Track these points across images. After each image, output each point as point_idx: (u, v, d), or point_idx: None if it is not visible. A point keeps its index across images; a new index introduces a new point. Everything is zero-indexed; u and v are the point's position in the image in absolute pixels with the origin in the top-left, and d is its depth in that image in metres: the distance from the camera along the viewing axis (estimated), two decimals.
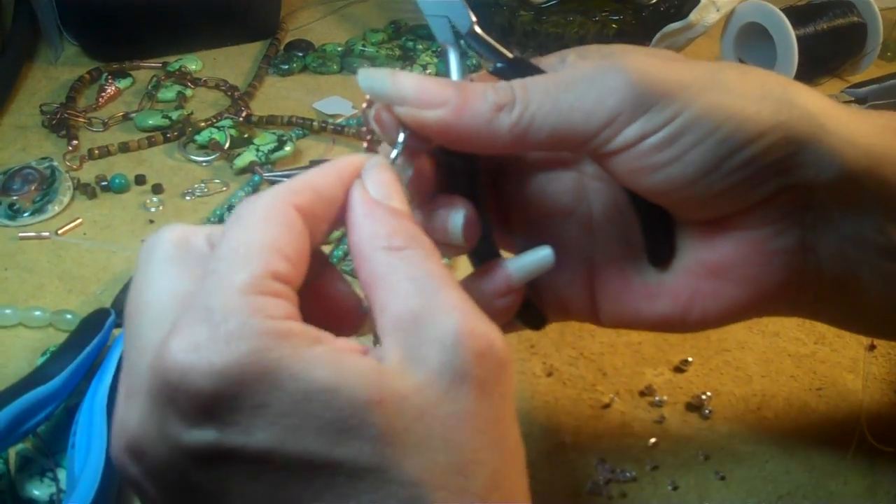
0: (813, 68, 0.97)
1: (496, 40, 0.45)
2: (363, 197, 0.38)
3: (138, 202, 0.78)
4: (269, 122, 0.88)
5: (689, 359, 0.65)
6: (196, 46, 1.00)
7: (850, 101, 0.91)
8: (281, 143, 0.83)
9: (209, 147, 0.84)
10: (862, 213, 0.44)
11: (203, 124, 0.87)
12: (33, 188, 0.77)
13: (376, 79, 0.41)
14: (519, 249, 0.46)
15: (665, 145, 0.41)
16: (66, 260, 0.72)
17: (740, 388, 0.63)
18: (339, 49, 1.02)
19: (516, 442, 0.36)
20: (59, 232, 0.74)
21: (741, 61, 0.99)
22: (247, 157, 0.82)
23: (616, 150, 0.42)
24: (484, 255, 0.45)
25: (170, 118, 0.87)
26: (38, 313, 0.66)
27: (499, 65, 0.45)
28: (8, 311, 0.66)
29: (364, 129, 0.43)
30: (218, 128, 0.85)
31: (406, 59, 1.00)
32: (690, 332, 0.49)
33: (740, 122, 0.41)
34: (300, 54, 1.00)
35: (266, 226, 0.35)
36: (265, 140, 0.83)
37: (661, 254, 0.47)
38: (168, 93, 0.92)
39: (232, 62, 1.00)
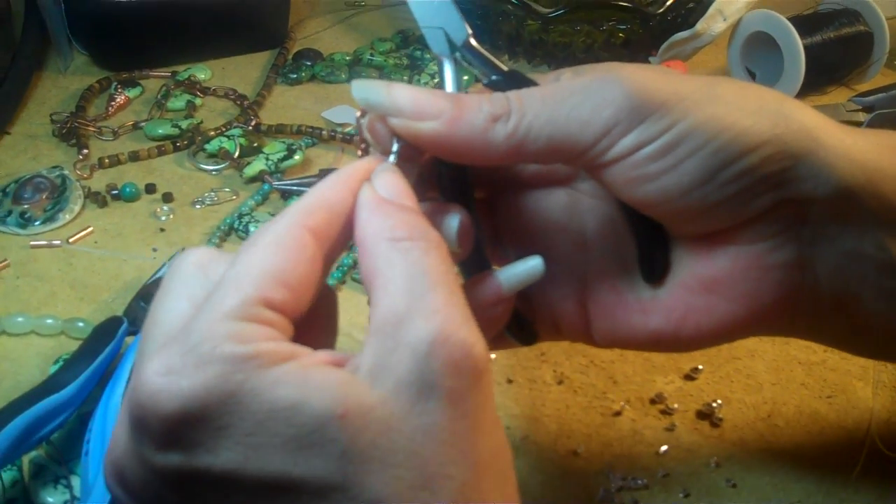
0: (820, 77, 0.97)
1: (503, 50, 0.45)
2: (371, 195, 0.38)
3: (149, 211, 0.79)
4: (278, 130, 0.89)
5: (700, 367, 0.65)
6: (205, 56, 1.01)
7: (857, 110, 0.91)
8: (290, 152, 0.83)
9: (219, 156, 0.85)
10: (860, 228, 0.43)
11: (213, 133, 0.87)
12: (44, 197, 0.77)
13: (371, 90, 0.41)
14: None
15: (660, 155, 0.41)
16: (77, 268, 0.72)
17: (751, 395, 0.63)
18: (348, 58, 1.02)
19: (493, 453, 0.35)
20: (71, 240, 0.75)
21: (748, 71, 0.99)
22: (256, 165, 0.82)
23: (612, 161, 0.42)
24: (475, 267, 0.45)
25: (179, 127, 0.88)
26: (50, 321, 0.66)
27: (493, 77, 0.45)
28: (20, 318, 0.66)
29: (357, 138, 0.43)
30: (227, 137, 0.86)
31: (414, 69, 1.01)
32: (684, 350, 0.49)
33: (736, 134, 0.41)
34: (309, 63, 1.00)
35: (272, 252, 0.35)
36: (274, 149, 0.83)
37: (655, 269, 0.47)
38: (177, 102, 0.93)
39: (241, 71, 1.00)
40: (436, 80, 0.97)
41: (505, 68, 0.45)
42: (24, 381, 0.61)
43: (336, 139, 0.88)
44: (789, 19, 0.94)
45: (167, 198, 0.79)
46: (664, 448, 0.59)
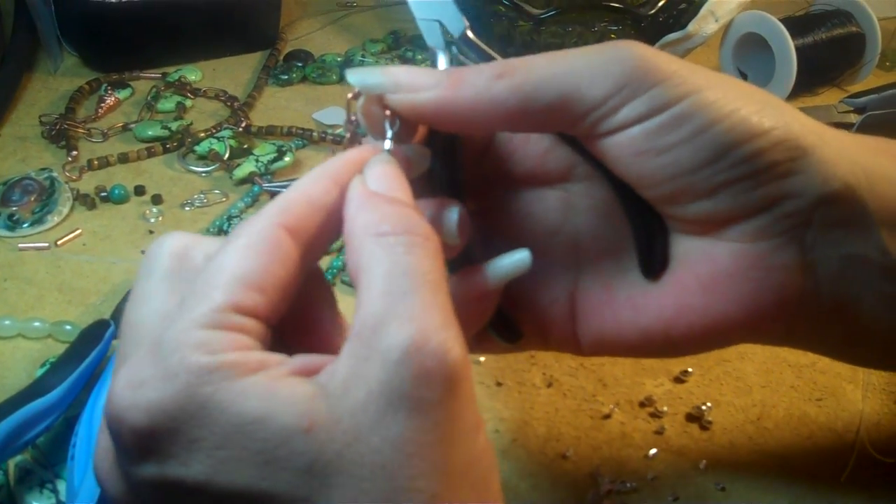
0: (812, 78, 0.97)
1: (495, 50, 0.45)
2: (360, 190, 0.38)
3: (138, 213, 0.78)
4: (268, 132, 0.88)
5: (689, 369, 0.65)
6: (195, 57, 1.00)
7: (849, 111, 0.91)
8: (280, 154, 0.83)
9: (209, 158, 0.84)
10: (864, 231, 0.43)
11: (202, 135, 0.87)
12: (33, 199, 0.77)
13: (367, 72, 0.41)
14: None
15: (668, 130, 0.40)
16: (65, 271, 0.72)
17: (740, 398, 0.63)
18: (339, 59, 1.02)
19: (469, 462, 0.34)
20: (59, 243, 0.74)
21: (740, 71, 0.99)
22: (246, 167, 0.82)
23: (616, 128, 0.41)
24: (462, 264, 0.45)
25: (169, 129, 0.87)
26: (37, 324, 0.66)
27: None
28: (7, 321, 0.66)
29: (347, 126, 0.42)
30: (217, 138, 0.85)
31: None
32: (672, 354, 0.48)
33: (745, 116, 0.40)
34: (300, 65, 1.00)
35: (242, 255, 0.35)
36: (265, 150, 0.83)
37: (653, 263, 0.45)
38: (167, 103, 0.92)
39: (231, 73, 1.00)
40: None
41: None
42: (11, 384, 0.61)
43: (327, 141, 0.88)
44: (781, 20, 0.94)
45: (156, 200, 0.79)
46: (653, 451, 0.59)
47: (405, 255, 0.34)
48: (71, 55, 0.99)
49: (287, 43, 1.06)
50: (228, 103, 0.93)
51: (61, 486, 0.55)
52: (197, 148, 0.85)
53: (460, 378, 0.33)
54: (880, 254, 0.43)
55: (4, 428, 0.52)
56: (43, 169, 0.81)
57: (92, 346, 0.59)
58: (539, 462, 0.58)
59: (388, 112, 0.41)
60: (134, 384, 0.33)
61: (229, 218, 0.77)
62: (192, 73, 0.97)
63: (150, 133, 0.87)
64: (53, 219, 0.76)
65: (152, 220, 0.77)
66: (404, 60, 1.03)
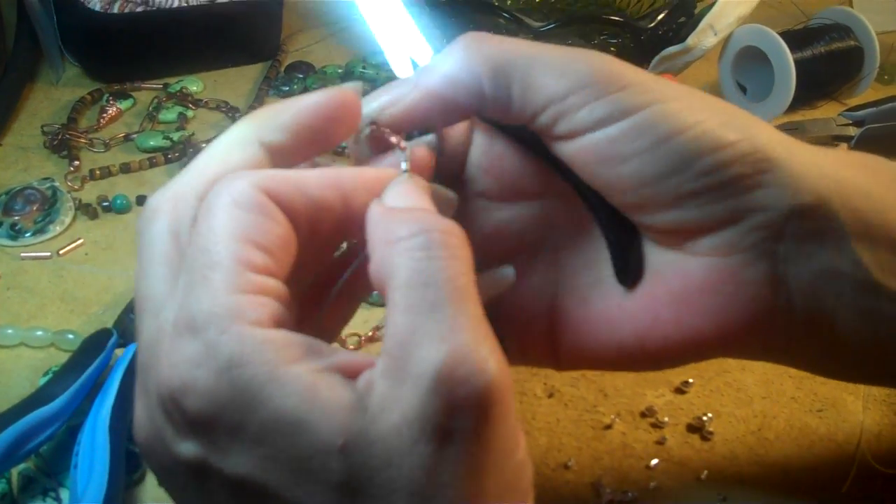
0: (810, 91, 0.98)
1: None
2: (379, 209, 0.36)
3: None
4: None
5: (690, 380, 0.65)
6: (197, 68, 1.01)
7: (847, 125, 0.92)
8: None
9: None
10: (836, 244, 0.42)
11: (204, 145, 0.86)
12: (35, 208, 0.77)
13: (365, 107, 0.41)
14: None
15: (628, 138, 0.40)
16: (67, 280, 0.72)
17: (741, 409, 0.64)
18: (340, 71, 1.02)
19: (502, 489, 0.33)
20: (61, 252, 0.74)
21: (739, 85, 1.00)
22: None
23: (576, 130, 0.41)
24: None
25: (171, 139, 0.87)
26: (39, 333, 0.66)
27: None
28: (10, 330, 0.66)
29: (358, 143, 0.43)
30: None
31: None
32: (651, 367, 0.47)
33: (707, 130, 0.40)
34: (301, 76, 1.00)
35: (234, 213, 0.34)
36: None
37: (628, 270, 0.45)
38: (169, 114, 0.93)
39: (233, 84, 1.00)
40: None
41: None
42: (13, 393, 0.61)
43: (326, 152, 0.88)
44: (780, 34, 0.94)
45: None
46: (654, 461, 0.59)
47: (426, 259, 0.33)
48: (73, 65, 0.99)
49: (288, 54, 1.06)
50: (230, 114, 0.94)
51: (64, 494, 0.55)
52: None
53: (496, 400, 0.32)
54: (854, 267, 0.42)
55: (7, 437, 0.52)
56: (45, 179, 0.81)
57: (94, 355, 0.59)
58: (540, 472, 0.58)
59: (396, 140, 0.41)
60: (179, 362, 0.32)
61: None
62: (194, 84, 0.98)
63: (151, 143, 0.87)
64: (55, 228, 0.76)
65: None
66: None
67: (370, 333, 0.68)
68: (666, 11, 0.92)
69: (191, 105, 0.94)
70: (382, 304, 0.64)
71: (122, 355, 0.59)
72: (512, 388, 0.33)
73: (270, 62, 1.03)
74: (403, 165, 0.40)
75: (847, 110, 0.94)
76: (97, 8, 0.92)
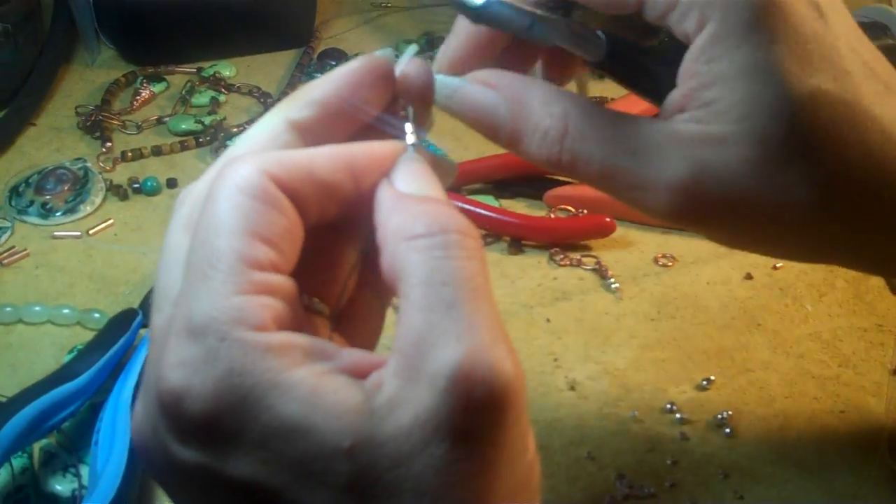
0: None
1: None
2: (389, 193, 0.35)
3: (169, 205, 0.79)
4: None
5: (713, 377, 0.65)
6: (230, 53, 1.01)
7: None
8: None
9: None
10: None
11: (235, 130, 0.87)
12: (66, 188, 0.78)
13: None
14: None
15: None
16: (96, 260, 0.73)
17: (763, 408, 0.63)
18: None
19: (512, 490, 0.33)
20: (91, 232, 0.75)
21: None
22: None
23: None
24: None
25: (203, 123, 0.88)
26: (66, 311, 0.67)
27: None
28: (37, 308, 0.67)
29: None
30: None
31: None
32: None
33: None
34: (333, 63, 1.00)
35: (238, 200, 0.33)
36: None
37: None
38: (202, 98, 0.93)
39: (265, 69, 1.00)
40: None
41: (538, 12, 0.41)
42: (39, 369, 0.62)
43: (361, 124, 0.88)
44: None
45: None
46: (674, 458, 0.59)
47: (444, 259, 0.32)
48: (108, 48, 1.00)
49: (321, 41, 1.06)
50: (262, 100, 0.94)
51: (84, 470, 0.56)
52: (229, 143, 0.85)
53: (511, 401, 0.31)
54: None
55: (31, 411, 0.53)
56: (77, 159, 0.82)
57: (119, 334, 0.60)
58: (559, 464, 0.59)
59: (401, 110, 0.40)
60: (177, 365, 0.31)
61: None
62: (227, 69, 0.98)
63: (183, 127, 0.88)
64: (86, 208, 0.77)
65: None
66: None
67: None
68: None
69: (223, 89, 0.95)
70: None
71: (147, 335, 0.59)
72: (525, 388, 0.32)
73: (303, 48, 1.03)
74: (410, 138, 0.39)
75: None
76: None
